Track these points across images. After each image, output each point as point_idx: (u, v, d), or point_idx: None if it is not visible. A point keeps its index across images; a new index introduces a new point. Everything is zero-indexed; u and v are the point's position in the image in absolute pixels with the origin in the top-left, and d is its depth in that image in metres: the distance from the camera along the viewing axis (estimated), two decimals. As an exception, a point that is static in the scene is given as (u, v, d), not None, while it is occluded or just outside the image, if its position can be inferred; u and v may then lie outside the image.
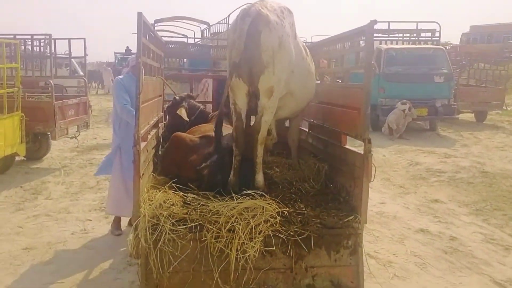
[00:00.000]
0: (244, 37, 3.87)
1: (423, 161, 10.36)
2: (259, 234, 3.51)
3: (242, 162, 4.28)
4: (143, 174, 3.88)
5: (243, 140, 4.22)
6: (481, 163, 10.06)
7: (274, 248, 3.56)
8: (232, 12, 15.20)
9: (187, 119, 5.65)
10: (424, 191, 8.10)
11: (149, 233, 3.51)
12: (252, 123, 4.32)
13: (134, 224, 3.64)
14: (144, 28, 3.87)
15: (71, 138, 10.11)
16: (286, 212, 3.75)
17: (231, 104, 4.27)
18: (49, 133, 9.20)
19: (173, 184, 4.18)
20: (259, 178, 4.27)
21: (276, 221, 3.60)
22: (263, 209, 3.66)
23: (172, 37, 17.33)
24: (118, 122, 5.58)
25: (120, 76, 5.80)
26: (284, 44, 4.06)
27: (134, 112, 5.14)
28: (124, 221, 5.88)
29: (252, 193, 3.92)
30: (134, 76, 5.52)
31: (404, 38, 16.83)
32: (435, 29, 16.35)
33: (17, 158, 8.68)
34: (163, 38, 7.13)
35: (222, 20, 16.25)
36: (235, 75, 4.02)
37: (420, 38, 16.72)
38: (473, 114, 17.01)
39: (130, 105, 5.33)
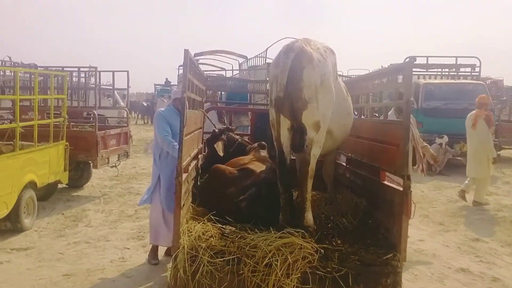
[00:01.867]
0: (287, 72, 3.90)
1: (463, 198, 10.07)
2: (296, 270, 3.50)
3: (271, 193, 4.30)
4: (183, 205, 3.96)
5: (288, 177, 4.22)
6: (524, 201, 9.72)
7: (311, 285, 3.54)
8: (270, 46, 15.46)
9: (221, 154, 5.71)
10: (465, 229, 7.87)
11: (188, 264, 3.56)
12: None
13: (173, 255, 3.69)
14: (190, 64, 4.01)
15: (112, 167, 10.36)
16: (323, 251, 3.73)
17: (274, 139, 4.30)
18: (91, 162, 9.45)
19: (211, 216, 4.23)
20: (309, 216, 4.16)
21: (314, 258, 3.58)
22: (301, 246, 3.64)
23: (212, 71, 17.71)
24: (158, 153, 5.70)
25: (162, 109, 5.98)
26: (326, 82, 4.10)
27: (175, 143, 5.31)
28: (161, 251, 5.94)
29: (292, 232, 3.85)
30: (175, 109, 5.69)
31: (443, 73, 16.66)
32: (475, 64, 16.15)
33: (59, 185, 8.95)
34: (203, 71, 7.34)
35: (260, 54, 16.49)
36: (275, 110, 4.07)
37: (459, 73, 16.51)
38: (515, 150, 16.51)
39: (171, 137, 5.47)
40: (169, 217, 5.24)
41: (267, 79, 10.69)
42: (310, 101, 3.99)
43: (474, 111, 9.16)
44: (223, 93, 12.56)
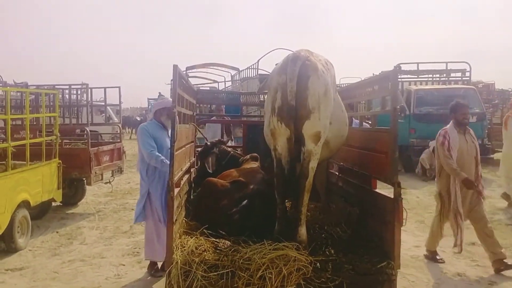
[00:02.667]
0: (296, 79, 3.91)
1: (458, 202, 10.08)
2: (290, 282, 3.49)
3: (264, 204, 4.30)
4: (176, 220, 3.95)
5: (285, 188, 4.20)
6: (519, 204, 9.74)
7: (305, 296, 3.53)
8: (262, 57, 15.55)
9: (211, 170, 5.67)
10: (460, 233, 7.86)
11: (182, 279, 3.54)
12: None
13: (167, 271, 3.68)
14: (179, 79, 4.03)
15: (106, 183, 10.33)
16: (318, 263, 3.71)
17: (271, 150, 4.29)
18: (84, 178, 9.42)
19: (204, 230, 4.22)
20: (303, 231, 4.10)
21: (309, 270, 3.58)
22: (295, 258, 3.63)
23: (204, 84, 17.68)
24: (145, 169, 5.64)
25: (144, 123, 5.94)
26: (328, 93, 4.12)
27: (162, 157, 5.30)
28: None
29: (286, 244, 3.81)
30: (157, 122, 5.68)
31: (434, 79, 16.79)
32: (465, 69, 16.29)
33: (53, 203, 8.90)
34: (194, 85, 7.38)
35: (251, 65, 16.59)
36: (278, 118, 4.05)
37: (450, 78, 16.65)
38: (508, 153, 16.58)
39: (156, 151, 5.45)
40: (164, 231, 5.21)
41: (260, 88, 10.71)
42: (313, 111, 3.98)
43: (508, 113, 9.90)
44: (213, 106, 12.62)
